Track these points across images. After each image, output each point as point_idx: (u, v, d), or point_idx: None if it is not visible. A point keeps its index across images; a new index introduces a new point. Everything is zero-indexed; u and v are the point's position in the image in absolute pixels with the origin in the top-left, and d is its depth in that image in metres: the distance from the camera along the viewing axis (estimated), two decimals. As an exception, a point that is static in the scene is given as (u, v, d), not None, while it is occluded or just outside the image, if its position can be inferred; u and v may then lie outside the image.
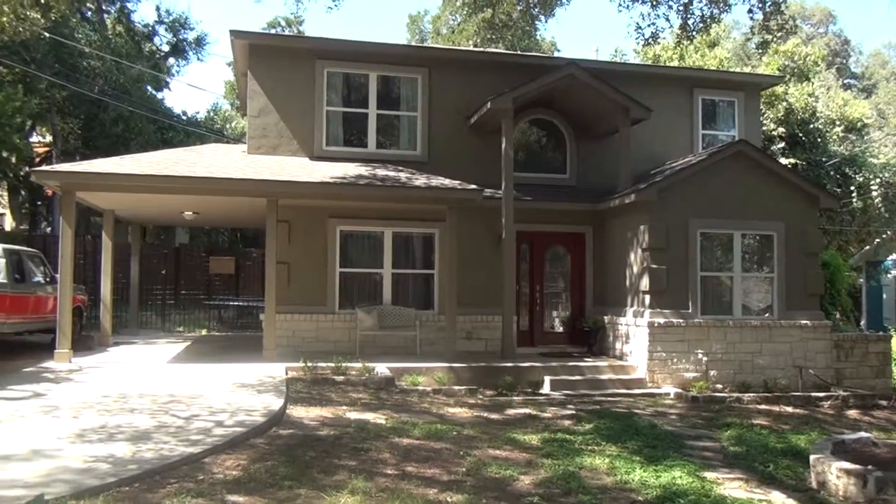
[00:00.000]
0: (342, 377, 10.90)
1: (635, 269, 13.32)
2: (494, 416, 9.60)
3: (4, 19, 9.72)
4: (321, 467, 6.46)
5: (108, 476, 5.76)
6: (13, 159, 22.50)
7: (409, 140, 15.22)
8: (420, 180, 13.36)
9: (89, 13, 28.44)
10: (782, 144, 23.10)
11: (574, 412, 10.09)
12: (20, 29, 10.57)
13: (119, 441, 6.79)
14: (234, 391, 9.46)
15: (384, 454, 7.08)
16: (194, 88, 73.35)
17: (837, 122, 24.52)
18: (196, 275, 22.24)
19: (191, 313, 20.80)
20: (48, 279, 13.80)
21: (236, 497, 5.57)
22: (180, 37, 32.76)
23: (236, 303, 20.44)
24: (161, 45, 33.60)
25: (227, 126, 36.44)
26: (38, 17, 11.17)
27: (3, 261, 12.31)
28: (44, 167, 14.89)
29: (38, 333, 14.01)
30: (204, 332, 18.63)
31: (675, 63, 25.62)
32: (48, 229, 28.97)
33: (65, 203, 12.18)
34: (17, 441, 6.69)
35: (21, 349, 13.45)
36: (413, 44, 39.03)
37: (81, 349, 13.02)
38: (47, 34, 20.97)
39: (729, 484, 6.77)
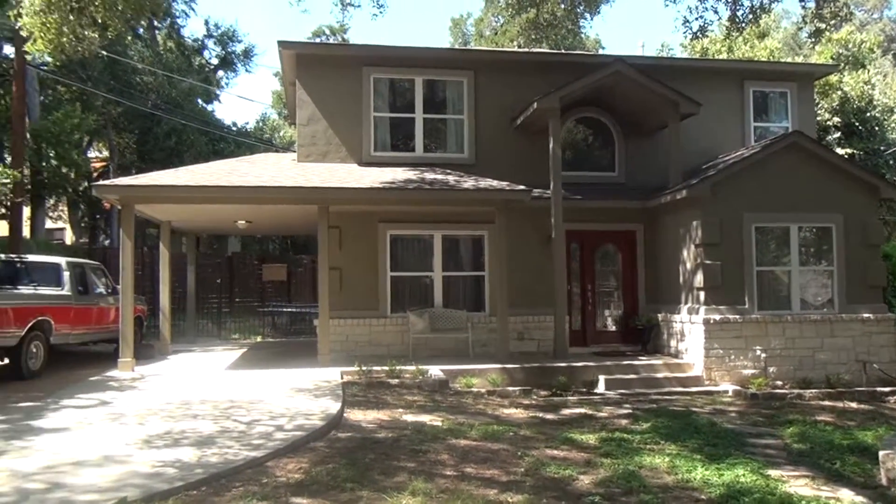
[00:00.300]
0: (396, 380, 11.00)
1: (689, 266, 13.12)
2: (550, 416, 9.57)
3: (64, 40, 10.05)
4: (381, 469, 6.54)
5: (177, 480, 5.91)
6: (72, 175, 23.27)
7: (455, 143, 15.27)
8: (468, 182, 13.40)
9: (141, 30, 29.26)
10: (838, 134, 22.51)
11: (630, 411, 9.99)
12: (79, 49, 10.90)
13: (184, 446, 6.97)
14: (292, 396, 9.62)
15: (442, 456, 7.12)
16: (243, 99, 74.78)
17: (896, 110, 23.80)
18: (249, 283, 22.71)
19: (245, 321, 21.22)
20: (110, 290, 14.22)
21: (300, 499, 5.67)
22: (229, 49, 33.54)
23: (289, 309, 20.78)
24: (210, 58, 34.40)
25: (276, 135, 37.09)
26: (95, 35, 11.50)
27: (67, 273, 12.73)
28: (104, 182, 15.36)
29: (101, 343, 14.47)
30: (259, 338, 18.97)
31: (724, 56, 25.17)
32: (106, 242, 29.89)
33: (124, 216, 12.54)
34: (88, 447, 6.92)
35: (86, 359, 13.91)
36: (457, 47, 39.12)
37: (142, 358, 13.39)
38: (105, 53, 21.63)
39: (794, 482, 6.62)
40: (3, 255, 13.59)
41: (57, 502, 5.34)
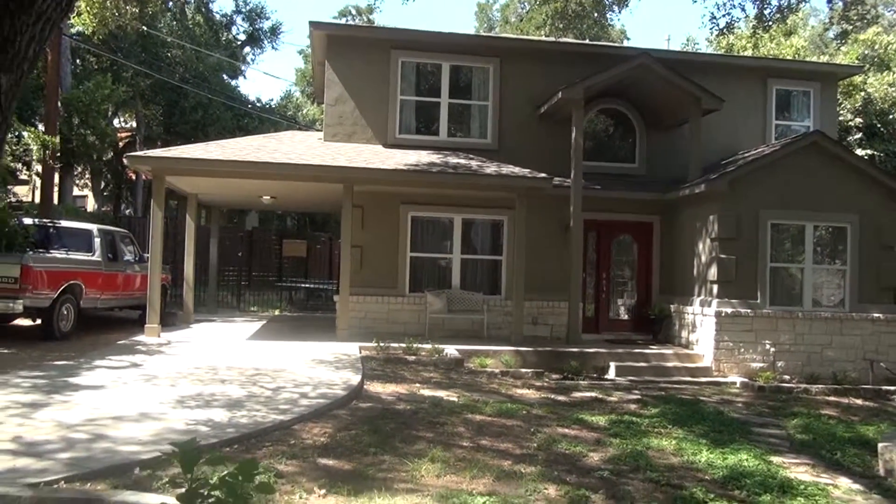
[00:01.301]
0: (413, 357, 11.35)
1: (703, 259, 13.36)
2: (561, 398, 9.89)
3: (107, 14, 10.39)
4: (401, 437, 6.88)
5: (210, 437, 6.28)
6: (100, 144, 23.68)
7: (479, 128, 15.52)
8: (491, 168, 13.66)
9: (171, 3, 29.58)
10: (859, 135, 22.54)
11: (640, 397, 10.30)
12: (120, 23, 11.24)
13: (215, 408, 7.35)
14: (313, 367, 9.99)
15: (459, 428, 7.46)
16: (268, 76, 75.08)
17: (919, 113, 23.74)
18: (268, 257, 23.11)
19: (263, 294, 21.65)
20: (136, 258, 14.62)
21: (326, 461, 6.03)
22: (256, 26, 33.77)
23: (306, 285, 21.17)
24: (238, 34, 34.69)
25: (299, 113, 37.38)
26: (136, 10, 11.83)
27: (98, 240, 13.14)
28: (137, 153, 15.72)
29: (126, 309, 14.91)
30: (277, 312, 19.38)
31: (749, 52, 25.18)
32: (128, 211, 30.40)
33: (156, 187, 12.90)
34: (124, 404, 7.31)
35: (112, 324, 14.36)
36: (485, 34, 39.16)
37: (166, 325, 13.79)
38: (144, 27, 21.96)
39: (795, 468, 6.92)
40: (36, 220, 13.99)
41: (101, 451, 5.72)
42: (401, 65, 15.18)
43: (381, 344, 11.63)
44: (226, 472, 3.54)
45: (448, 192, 13.87)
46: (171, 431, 6.38)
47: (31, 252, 11.71)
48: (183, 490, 3.52)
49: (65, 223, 14.13)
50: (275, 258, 22.87)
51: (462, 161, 14.06)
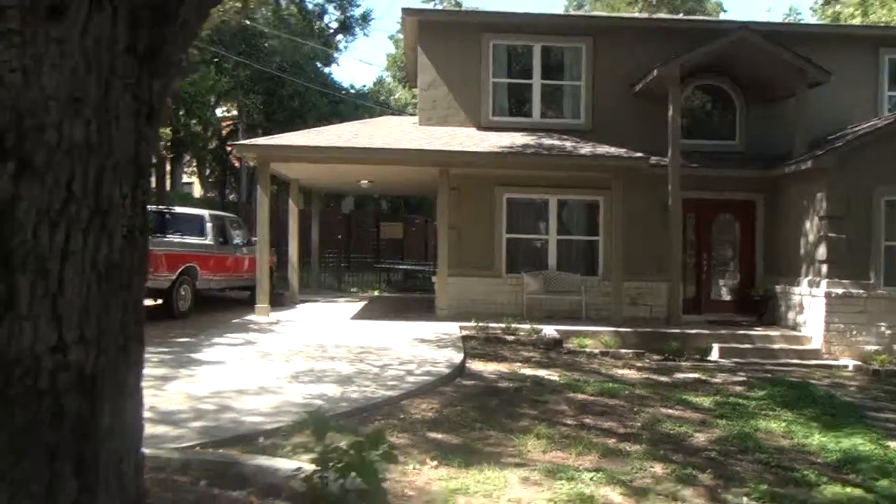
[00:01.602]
0: (512, 337, 11.50)
1: (811, 238, 12.89)
2: (663, 378, 9.83)
3: (214, 10, 10.89)
4: (506, 414, 7.06)
5: (326, 411, 6.60)
6: (206, 133, 24.85)
7: (572, 109, 15.42)
8: (585, 149, 13.59)
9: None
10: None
11: (745, 379, 10.10)
12: (224, 18, 11.76)
13: (327, 383, 7.72)
14: (416, 345, 10.30)
15: (561, 406, 7.57)
16: (361, 63, 76.39)
17: None
18: (365, 239, 23.72)
19: (361, 275, 22.27)
20: (245, 242, 15.34)
21: (435, 434, 6.26)
22: (347, 14, 34.41)
23: (402, 266, 21.64)
24: (330, 22, 35.46)
25: (391, 98, 37.95)
26: (238, 4, 12.33)
27: (210, 225, 13.88)
28: (243, 141, 16.43)
29: (236, 290, 15.68)
30: (376, 292, 19.91)
31: (858, 21, 23.85)
32: (231, 196, 31.71)
33: (261, 173, 13.48)
34: (244, 378, 7.78)
35: (223, 304, 15.14)
36: (575, 13, 38.58)
37: (274, 305, 14.43)
38: (248, 21, 22.83)
39: (915, 454, 6.69)
40: (153, 206, 14.87)
41: (228, 421, 6.14)
42: (492, 47, 15.21)
43: (480, 324, 11.83)
44: (353, 441, 3.80)
45: (543, 174, 13.89)
46: (289, 404, 6.75)
47: (150, 237, 12.46)
48: (314, 455, 3.81)
49: (179, 209, 14.96)
50: (371, 240, 23.45)
51: (556, 142, 14.03)
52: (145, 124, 2.59)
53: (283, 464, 4.37)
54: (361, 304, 16.40)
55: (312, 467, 3.78)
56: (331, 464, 3.59)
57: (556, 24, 15.74)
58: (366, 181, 16.45)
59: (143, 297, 2.74)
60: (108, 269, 2.41)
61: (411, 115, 23.47)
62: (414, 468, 5.36)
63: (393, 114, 29.03)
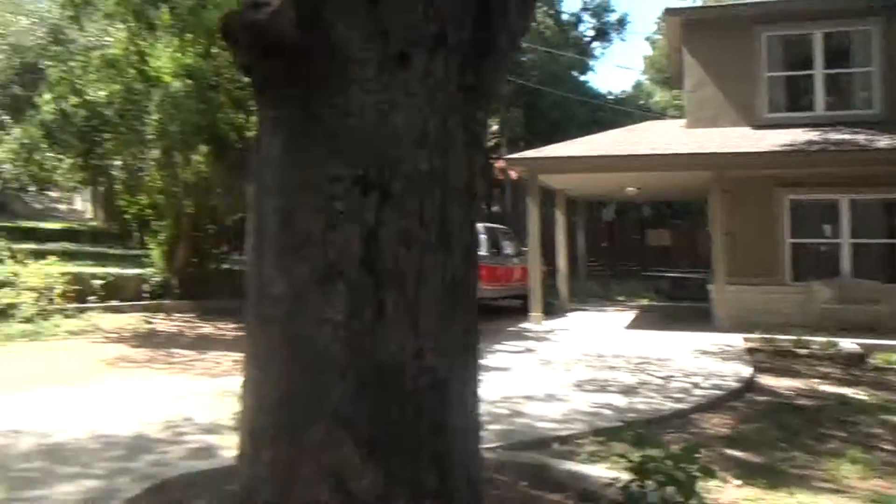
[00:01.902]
0: (804, 350, 10.63)
1: None
2: None
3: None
4: (810, 434, 6.57)
5: (614, 420, 6.66)
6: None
7: (862, 98, 14.01)
8: (882, 142, 12.22)
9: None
10: None
11: None
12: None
13: (611, 392, 7.76)
14: (696, 357, 9.96)
15: (875, 429, 6.87)
16: (618, 68, 75.67)
17: None
18: (629, 247, 23.38)
19: (627, 284, 21.96)
20: (516, 252, 15.92)
21: (733, 451, 6.02)
22: (603, 20, 34.27)
23: (672, 274, 20.98)
24: (586, 30, 35.56)
25: (650, 101, 37.07)
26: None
27: (484, 237, 14.61)
28: (514, 155, 17.05)
29: (507, 299, 16.28)
30: (646, 301, 19.52)
31: None
32: (495, 208, 32.97)
33: (531, 185, 13.92)
34: (530, 385, 8.09)
35: (497, 313, 15.79)
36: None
37: (546, 314, 14.77)
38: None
39: None
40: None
41: (522, 425, 6.44)
42: (765, 39, 14.26)
43: (766, 335, 11.11)
44: (670, 453, 3.83)
45: (831, 171, 12.72)
46: (576, 412, 6.91)
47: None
48: (627, 463, 3.89)
49: (455, 224, 15.90)
50: (636, 248, 23.07)
51: (845, 136, 12.78)
52: (475, 152, 2.89)
53: (592, 470, 4.52)
54: (632, 313, 16.18)
55: (625, 476, 3.88)
56: (650, 475, 3.65)
57: (838, 8, 14.32)
58: (632, 188, 16.26)
59: (476, 307, 3.03)
60: (452, 284, 2.73)
61: (673, 117, 22.74)
62: (717, 485, 5.21)
63: (655, 118, 28.33)
